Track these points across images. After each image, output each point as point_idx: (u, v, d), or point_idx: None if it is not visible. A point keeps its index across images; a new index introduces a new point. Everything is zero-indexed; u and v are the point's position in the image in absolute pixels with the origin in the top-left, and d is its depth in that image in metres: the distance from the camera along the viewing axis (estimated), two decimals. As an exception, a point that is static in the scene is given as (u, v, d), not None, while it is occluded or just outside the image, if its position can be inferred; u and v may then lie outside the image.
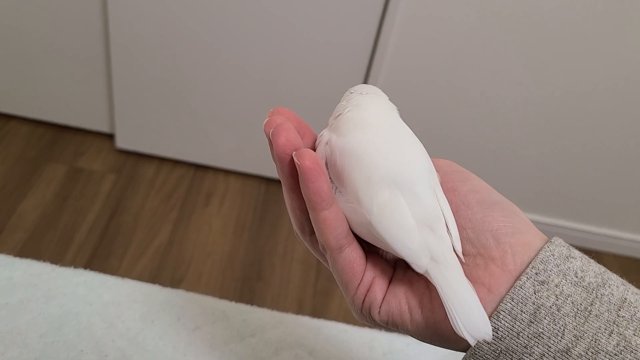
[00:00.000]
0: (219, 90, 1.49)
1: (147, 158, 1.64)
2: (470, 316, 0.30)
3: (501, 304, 0.31)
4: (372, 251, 0.36)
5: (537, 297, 0.31)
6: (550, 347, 0.30)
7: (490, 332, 0.31)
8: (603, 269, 0.33)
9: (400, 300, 0.34)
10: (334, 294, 1.39)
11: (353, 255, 0.34)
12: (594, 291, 0.31)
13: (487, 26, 1.30)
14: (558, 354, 0.30)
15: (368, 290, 0.34)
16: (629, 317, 0.30)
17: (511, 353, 0.31)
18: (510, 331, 0.31)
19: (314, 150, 0.37)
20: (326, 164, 0.35)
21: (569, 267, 0.32)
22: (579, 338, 0.30)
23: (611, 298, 0.31)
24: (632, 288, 0.32)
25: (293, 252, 1.47)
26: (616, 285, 0.32)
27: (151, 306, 0.59)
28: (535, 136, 1.46)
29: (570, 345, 0.30)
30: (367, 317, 0.35)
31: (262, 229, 1.51)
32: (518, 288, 0.31)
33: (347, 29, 1.35)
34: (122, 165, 1.61)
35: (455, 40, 1.33)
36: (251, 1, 1.33)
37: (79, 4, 1.43)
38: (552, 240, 0.33)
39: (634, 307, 0.31)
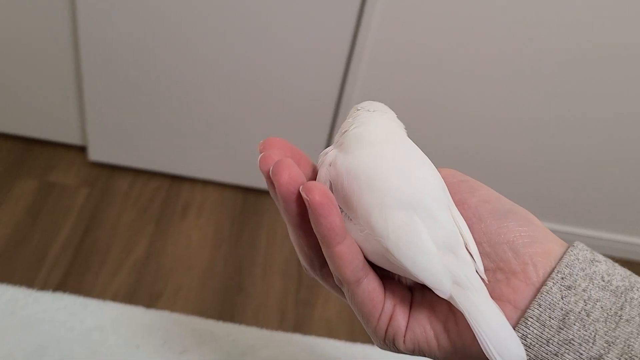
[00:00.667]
0: (194, 99, 1.46)
1: (122, 170, 1.60)
2: (501, 340, 0.29)
3: (528, 310, 0.30)
4: (387, 275, 0.34)
5: (564, 302, 0.30)
6: (582, 354, 0.29)
7: (524, 355, 0.29)
8: (629, 272, 0.32)
9: (425, 327, 0.33)
10: (315, 304, 1.38)
11: (372, 286, 0.32)
12: (622, 295, 0.30)
13: (466, 31, 1.30)
14: None
15: (390, 320, 0.33)
16: None
17: None
18: (540, 338, 0.30)
19: (315, 176, 0.35)
20: (330, 187, 0.33)
21: (595, 271, 0.31)
22: (611, 344, 0.29)
23: None
24: None
25: (273, 262, 1.45)
26: None
27: (136, 330, 0.57)
28: (526, 140, 1.47)
29: (602, 351, 0.29)
30: (390, 347, 0.33)
31: (241, 240, 1.49)
32: (545, 293, 0.30)
33: (322, 36, 1.34)
34: (96, 179, 1.57)
35: (433, 44, 1.33)
36: (224, 9, 1.31)
37: (47, 13, 1.39)
38: (575, 245, 0.32)
39: None
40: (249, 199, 1.60)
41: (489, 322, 0.29)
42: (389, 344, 0.33)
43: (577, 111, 1.41)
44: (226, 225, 1.52)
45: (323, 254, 0.32)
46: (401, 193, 0.31)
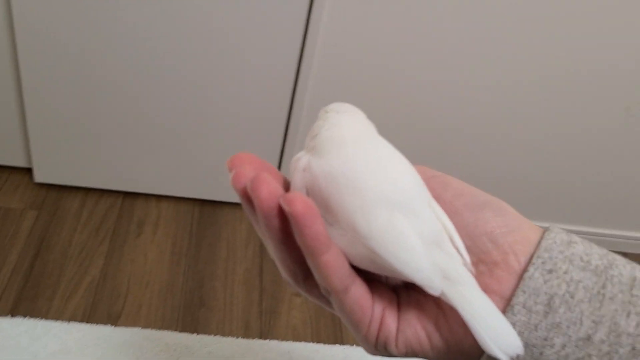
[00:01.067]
0: (142, 113, 1.43)
1: (71, 190, 1.55)
2: (497, 331, 0.29)
3: (514, 297, 0.30)
4: (370, 278, 0.34)
5: (548, 286, 0.30)
6: (570, 337, 0.30)
7: (521, 344, 0.30)
8: (605, 250, 0.32)
9: (416, 327, 0.32)
10: (280, 312, 1.36)
11: (359, 292, 0.32)
12: (602, 274, 0.31)
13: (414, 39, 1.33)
14: (580, 342, 0.30)
15: (380, 325, 0.32)
16: None
17: (531, 347, 0.30)
18: (528, 324, 0.30)
19: (288, 187, 0.34)
20: (307, 193, 0.32)
21: (574, 253, 0.31)
22: (598, 323, 0.30)
23: (621, 278, 0.30)
24: (638, 265, 0.32)
25: (234, 274, 1.43)
26: (623, 264, 0.31)
27: (105, 349, 0.54)
28: (480, 138, 1.50)
29: (590, 332, 0.30)
30: (382, 352, 0.33)
31: (200, 254, 1.46)
32: (528, 279, 0.30)
33: (271, 46, 1.34)
34: (43, 200, 1.51)
35: (380, 49, 1.34)
36: (171, 22, 1.29)
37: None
38: (550, 229, 0.33)
39: None
40: (206, 212, 1.58)
41: (482, 314, 0.29)
42: (381, 349, 0.33)
43: (533, 99, 1.45)
44: (184, 240, 1.49)
45: (307, 266, 0.32)
46: (381, 192, 0.31)
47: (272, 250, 0.33)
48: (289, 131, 1.48)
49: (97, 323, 1.21)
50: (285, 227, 0.31)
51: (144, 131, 1.46)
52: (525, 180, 1.58)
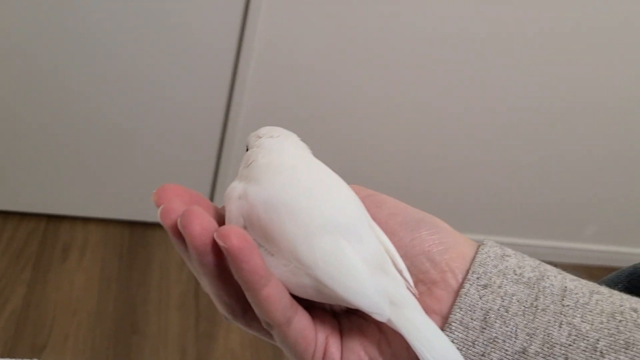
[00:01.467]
0: (66, 129, 1.37)
1: (-13, 214, 1.45)
2: (442, 354, 0.29)
3: (451, 315, 0.31)
4: (311, 305, 0.33)
5: (483, 301, 0.31)
6: (507, 351, 0.30)
7: None
8: (537, 261, 0.33)
9: (359, 354, 0.32)
10: (217, 336, 1.32)
11: (302, 323, 0.31)
12: (535, 285, 0.31)
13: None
14: (516, 356, 0.30)
15: (324, 354, 0.32)
16: (573, 304, 0.31)
17: None
18: (465, 341, 0.31)
19: (221, 218, 0.33)
20: (244, 223, 0.31)
21: (507, 266, 0.32)
22: (532, 336, 0.30)
23: (552, 289, 0.31)
24: (568, 275, 0.33)
25: (168, 297, 1.38)
26: (554, 275, 0.32)
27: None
28: (417, 149, 1.52)
29: (525, 344, 0.30)
30: None
31: (132, 278, 1.40)
32: (463, 296, 0.31)
33: (203, 63, 1.31)
34: (-43, 226, 1.41)
35: (314, 64, 1.35)
36: (98, 47, 1.25)
37: None
38: (485, 243, 0.33)
39: (575, 294, 0.31)
40: (136, 233, 1.52)
41: (428, 338, 0.29)
42: None
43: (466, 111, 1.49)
44: (113, 264, 1.42)
45: (245, 300, 0.31)
46: (323, 218, 0.30)
47: (207, 286, 0.32)
48: (224, 147, 1.45)
49: (20, 356, 1.14)
50: (221, 262, 0.29)
51: (68, 149, 1.39)
52: (456, 195, 1.61)
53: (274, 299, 0.29)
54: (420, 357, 0.29)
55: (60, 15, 1.22)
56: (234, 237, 0.27)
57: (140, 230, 1.53)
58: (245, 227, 0.31)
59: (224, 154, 1.45)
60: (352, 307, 0.30)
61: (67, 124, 1.36)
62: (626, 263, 1.60)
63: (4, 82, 1.28)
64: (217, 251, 0.29)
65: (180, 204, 0.30)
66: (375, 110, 1.44)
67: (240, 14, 1.27)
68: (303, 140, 0.35)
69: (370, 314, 0.30)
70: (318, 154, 0.34)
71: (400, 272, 0.32)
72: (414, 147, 1.51)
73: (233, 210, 0.32)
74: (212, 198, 1.51)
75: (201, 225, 0.28)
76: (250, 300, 0.30)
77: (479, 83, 1.43)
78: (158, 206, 0.30)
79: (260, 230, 0.30)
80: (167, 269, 1.44)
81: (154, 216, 1.52)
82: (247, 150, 0.35)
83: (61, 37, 1.25)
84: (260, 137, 0.35)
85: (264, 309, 0.29)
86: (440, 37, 1.34)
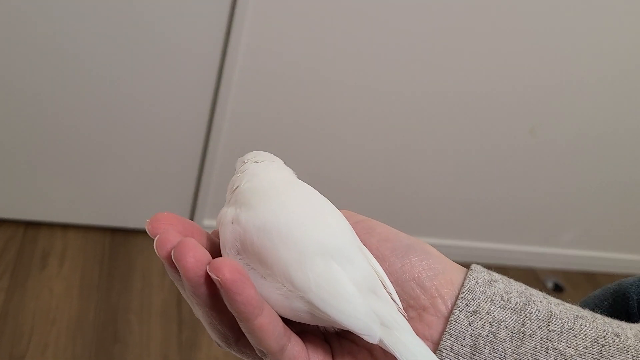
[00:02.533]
0: (44, 132, 1.34)
1: (-37, 221, 1.42)
2: None
3: (441, 342, 0.32)
4: (303, 329, 0.34)
5: (472, 328, 0.32)
6: None
7: None
8: (524, 286, 0.34)
9: None
10: (200, 345, 1.31)
11: (296, 349, 0.31)
12: (522, 311, 0.32)
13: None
14: None
15: None
16: (559, 330, 0.32)
17: None
18: None
19: (211, 246, 0.33)
20: (239, 247, 0.32)
21: (494, 292, 0.33)
22: None
23: (539, 315, 0.32)
24: (553, 299, 0.34)
25: (150, 305, 1.36)
26: (539, 300, 0.33)
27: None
28: (407, 162, 1.52)
29: None
30: None
31: (113, 285, 1.38)
32: (453, 322, 0.32)
33: (185, 78, 1.30)
34: None
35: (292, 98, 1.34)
36: (79, 52, 1.23)
37: None
38: (472, 268, 0.34)
39: (560, 319, 0.32)
40: (117, 240, 1.49)
41: (420, 358, 0.30)
42: None
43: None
44: (94, 271, 1.40)
45: (238, 328, 0.31)
46: (316, 241, 0.31)
47: (201, 315, 0.32)
48: (207, 154, 1.43)
49: (-3, 367, 1.12)
50: (214, 293, 0.30)
51: (47, 153, 1.37)
52: (436, 201, 1.62)
53: (267, 327, 0.29)
54: None
55: (41, 19, 1.20)
56: (226, 270, 0.28)
57: (121, 237, 1.50)
58: (239, 252, 0.32)
59: (207, 161, 1.43)
60: (344, 329, 0.31)
61: (46, 128, 1.33)
62: (604, 268, 1.63)
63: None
64: (211, 282, 0.29)
65: (175, 235, 0.30)
66: (361, 118, 1.44)
67: (225, 25, 1.26)
68: (288, 153, 0.36)
69: (362, 336, 0.30)
70: (303, 166, 0.34)
71: (390, 295, 0.32)
72: (398, 154, 1.52)
73: (228, 235, 0.32)
74: (195, 204, 1.50)
75: (194, 257, 0.29)
76: (244, 329, 0.30)
77: (459, 89, 1.44)
78: (153, 236, 0.31)
79: (253, 255, 0.31)
80: (149, 276, 1.42)
81: (135, 223, 1.50)
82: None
83: (39, 41, 1.22)
84: (246, 162, 0.36)
85: (257, 338, 0.30)
86: (433, 43, 1.35)
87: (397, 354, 0.30)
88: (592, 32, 1.41)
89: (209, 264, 0.29)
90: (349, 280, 0.31)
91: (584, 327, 0.32)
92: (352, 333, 0.33)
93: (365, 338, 0.30)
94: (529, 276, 1.72)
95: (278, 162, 0.36)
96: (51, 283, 1.34)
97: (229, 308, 0.29)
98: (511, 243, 1.75)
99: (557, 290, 1.72)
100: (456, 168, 1.57)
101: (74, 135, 1.35)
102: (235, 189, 0.34)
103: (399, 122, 1.47)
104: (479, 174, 1.59)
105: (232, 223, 0.32)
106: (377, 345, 0.33)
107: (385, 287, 0.32)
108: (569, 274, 1.77)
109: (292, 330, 0.32)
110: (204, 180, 1.46)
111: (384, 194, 1.58)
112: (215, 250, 0.33)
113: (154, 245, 0.30)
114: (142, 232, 1.52)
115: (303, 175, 0.35)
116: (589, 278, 1.77)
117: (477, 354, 0.31)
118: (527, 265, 1.78)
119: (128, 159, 1.41)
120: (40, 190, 1.42)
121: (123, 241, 1.49)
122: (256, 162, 0.35)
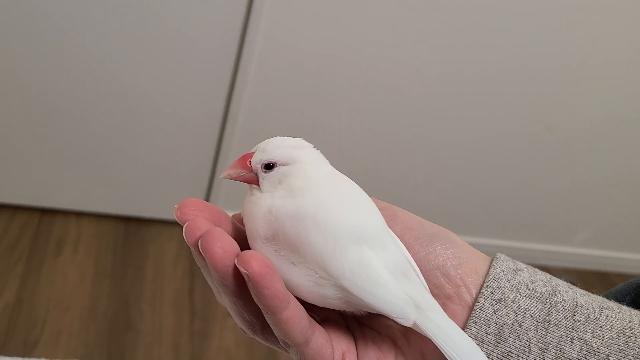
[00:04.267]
0: (61, 121, 1.35)
1: (-21, 207, 1.43)
2: (469, 355, 0.30)
3: (466, 329, 0.32)
4: (326, 319, 0.34)
5: (497, 316, 0.32)
6: None
7: None
8: (549, 276, 0.34)
9: None
10: (212, 334, 1.32)
11: (320, 340, 0.31)
12: (547, 300, 0.32)
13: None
14: None
15: None
16: (584, 320, 0.31)
17: None
18: None
19: (235, 232, 0.33)
20: (272, 235, 0.32)
21: (520, 281, 0.33)
22: (545, 350, 0.31)
23: (564, 304, 0.32)
24: (578, 290, 0.33)
25: (162, 294, 1.37)
26: (565, 290, 0.33)
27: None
28: (416, 154, 1.52)
29: (538, 359, 0.31)
30: None
31: (126, 274, 1.39)
32: (478, 310, 0.32)
33: (202, 67, 1.30)
34: (-52, 218, 1.38)
35: (310, 80, 1.34)
36: (93, 43, 1.23)
37: None
38: (498, 257, 0.34)
39: (586, 310, 0.32)
40: (131, 229, 1.50)
41: (453, 339, 0.30)
42: None
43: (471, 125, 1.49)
44: (107, 260, 1.41)
45: (264, 317, 0.31)
46: (350, 228, 0.31)
47: (228, 303, 0.32)
48: (222, 143, 1.43)
49: (11, 353, 1.13)
50: (242, 283, 0.30)
51: (62, 141, 1.38)
52: (450, 198, 1.62)
53: (293, 320, 0.30)
54: (447, 357, 0.30)
55: (58, 13, 1.20)
56: (255, 263, 0.28)
57: (134, 226, 1.51)
58: (268, 239, 0.31)
59: (222, 151, 1.44)
60: (377, 313, 0.31)
61: (62, 118, 1.34)
62: (617, 268, 1.62)
63: None
64: (238, 273, 0.29)
65: (203, 222, 0.30)
66: (378, 111, 1.44)
67: (243, 15, 1.26)
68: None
69: (396, 320, 0.31)
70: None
71: (418, 277, 0.32)
72: (414, 150, 1.51)
73: (258, 222, 0.32)
74: (209, 194, 1.50)
75: (222, 248, 0.29)
76: (269, 322, 0.30)
77: (477, 86, 1.43)
78: (182, 222, 0.31)
79: (287, 242, 0.31)
80: (162, 266, 1.43)
81: (149, 212, 1.51)
82: (262, 159, 0.33)
83: (58, 36, 1.23)
84: (281, 147, 0.34)
85: (283, 330, 0.30)
86: (453, 40, 1.34)
87: (431, 336, 0.30)
88: (610, 29, 1.39)
89: (237, 256, 0.29)
90: (382, 266, 0.31)
91: (610, 317, 0.32)
92: (375, 322, 0.33)
93: (400, 322, 0.30)
94: (542, 274, 1.71)
95: (309, 148, 0.35)
96: (65, 270, 1.35)
97: (256, 301, 0.30)
98: (524, 241, 1.74)
99: (570, 290, 1.70)
100: (470, 166, 1.56)
101: (90, 124, 1.36)
102: (286, 181, 0.33)
103: (416, 118, 1.46)
104: (492, 172, 1.58)
105: (263, 209, 0.32)
106: (400, 335, 0.33)
107: (414, 271, 0.32)
108: (582, 274, 1.76)
109: (315, 318, 0.32)
110: (218, 170, 1.46)
111: (399, 189, 1.57)
112: (240, 237, 0.33)
113: (183, 233, 0.30)
114: (155, 222, 1.53)
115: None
116: (602, 278, 1.75)
117: (501, 342, 0.31)
118: (540, 263, 1.76)
119: (143, 149, 1.41)
120: (56, 178, 1.42)
121: (136, 230, 1.50)
122: (299, 148, 0.34)
